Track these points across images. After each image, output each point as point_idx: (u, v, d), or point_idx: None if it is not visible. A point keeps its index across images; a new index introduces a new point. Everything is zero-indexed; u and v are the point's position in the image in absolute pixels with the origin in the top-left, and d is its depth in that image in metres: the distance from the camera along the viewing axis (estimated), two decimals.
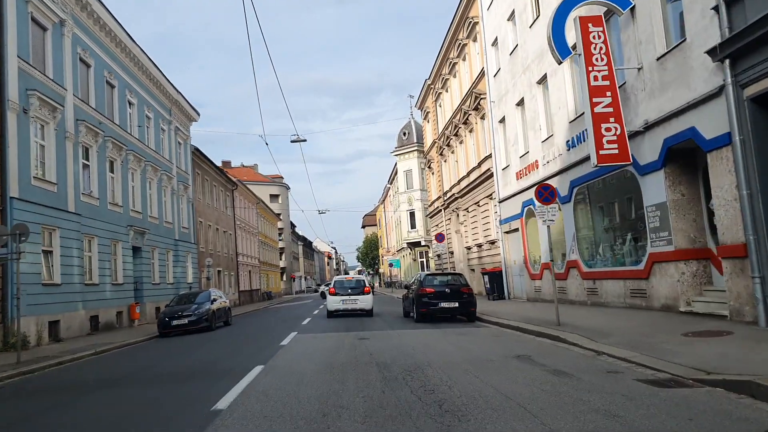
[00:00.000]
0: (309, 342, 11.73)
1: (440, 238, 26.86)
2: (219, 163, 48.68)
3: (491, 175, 24.50)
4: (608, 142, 12.13)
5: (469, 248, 29.72)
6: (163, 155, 30.40)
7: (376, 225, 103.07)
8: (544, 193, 11.82)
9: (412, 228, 52.99)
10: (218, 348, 12.71)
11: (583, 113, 15.31)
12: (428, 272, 16.88)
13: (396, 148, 53.98)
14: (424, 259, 53.29)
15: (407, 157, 53.05)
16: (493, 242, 25.15)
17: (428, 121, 39.58)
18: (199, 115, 36.78)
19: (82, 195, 20.51)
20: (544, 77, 18.27)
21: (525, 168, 20.42)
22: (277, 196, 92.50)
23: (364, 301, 20.16)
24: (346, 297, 20.27)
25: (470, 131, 28.37)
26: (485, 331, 12.87)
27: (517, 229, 21.77)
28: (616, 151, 12.11)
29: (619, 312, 13.26)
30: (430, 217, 41.42)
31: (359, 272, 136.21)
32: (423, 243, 51.74)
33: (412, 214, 52.97)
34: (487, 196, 25.86)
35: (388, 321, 16.98)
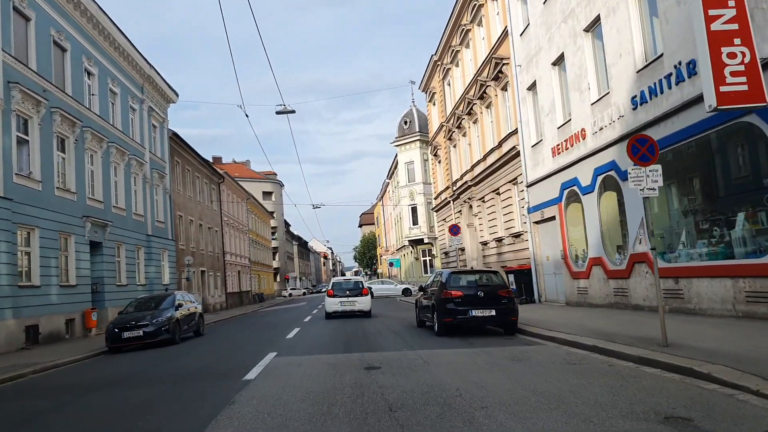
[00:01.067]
0: (289, 375, 7.67)
1: (455, 230, 22.87)
2: (209, 160, 44.67)
3: (516, 155, 20.58)
4: (732, 74, 8.18)
5: (485, 243, 25.79)
6: (133, 138, 26.39)
7: (374, 224, 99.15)
8: (641, 148, 7.87)
9: (413, 224, 49.06)
10: (155, 381, 8.74)
11: (661, 55, 11.44)
12: (453, 269, 12.84)
13: (396, 138, 50.02)
14: (428, 258, 49.37)
15: (409, 147, 49.10)
16: (518, 235, 21.23)
17: (434, 104, 35.65)
18: (177, 95, 32.75)
19: (17, 176, 16.50)
20: (596, 21, 14.36)
21: (565, 141, 16.51)
22: (270, 193, 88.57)
23: (363, 303, 19.77)
24: (345, 299, 19.87)
25: (487, 107, 24.43)
26: (547, 352, 8.92)
27: (552, 218, 17.86)
28: (745, 87, 8.17)
29: (738, 324, 9.31)
30: (436, 211, 37.51)
31: (356, 273, 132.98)
32: (426, 240, 47.80)
33: (413, 210, 49.05)
34: (509, 181, 21.94)
35: (399, 333, 13.00)
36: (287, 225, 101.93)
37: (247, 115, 18.58)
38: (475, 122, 26.49)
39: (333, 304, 19.93)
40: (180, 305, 16.17)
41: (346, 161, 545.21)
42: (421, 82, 37.16)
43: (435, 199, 37.97)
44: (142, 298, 17.36)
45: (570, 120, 16.19)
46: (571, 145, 16.07)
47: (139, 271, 26.30)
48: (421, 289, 14.24)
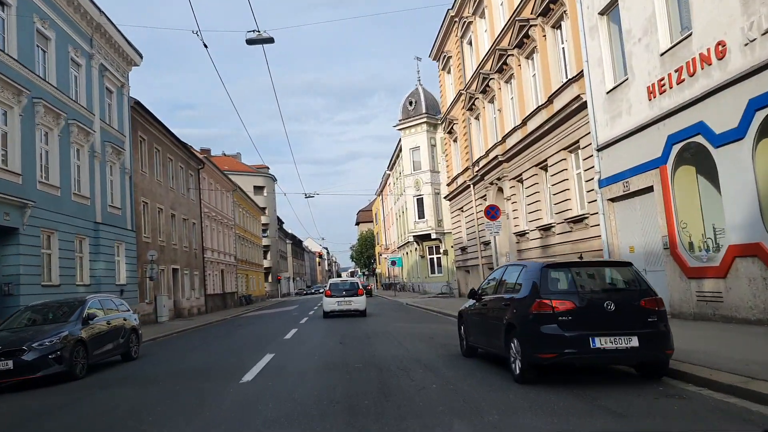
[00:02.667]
0: None
1: (493, 212, 17.14)
2: (187, 144, 39.19)
3: (579, 109, 15.02)
4: None
5: (522, 234, 20.22)
6: (77, 99, 20.78)
7: (372, 221, 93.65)
8: None
9: (419, 218, 43.50)
10: None
11: None
12: (547, 262, 7.04)
13: (400, 120, 44.43)
14: (435, 256, 43.82)
15: (414, 131, 43.52)
16: (579, 220, 15.66)
17: (449, 71, 30.07)
18: (141, 57, 27.07)
19: None
20: None
21: (676, 71, 10.95)
22: (261, 188, 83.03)
23: (358, 302, 20.87)
24: (341, 298, 20.85)
25: (528, 56, 18.86)
26: None
27: (646, 190, 12.27)
28: None
29: None
30: (450, 200, 31.89)
31: (352, 274, 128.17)
32: (434, 236, 42.26)
33: (419, 202, 43.48)
34: (565, 149, 16.38)
35: (442, 374, 7.36)
36: (280, 222, 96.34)
37: (206, 46, 12.83)
38: (508, 80, 20.91)
39: (330, 304, 20.88)
40: (91, 317, 10.51)
41: (342, 162, 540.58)
42: (432, 48, 31.55)
43: (448, 185, 32.35)
44: (38, 304, 11.67)
45: (689, 36, 10.61)
46: (691, 75, 10.51)
47: (82, 268, 20.68)
48: (472, 295, 8.58)
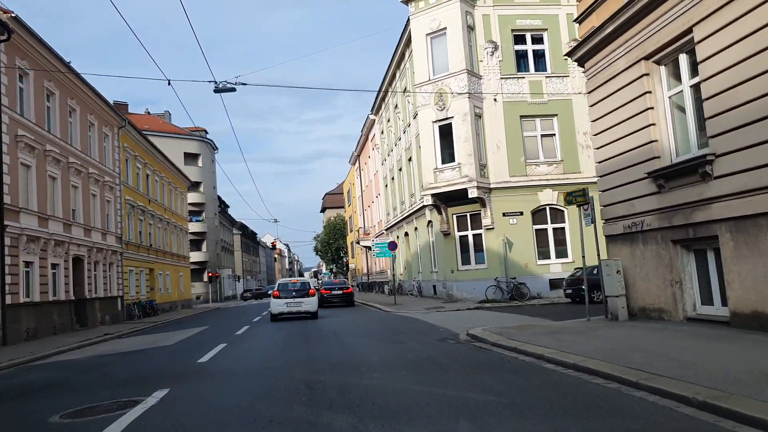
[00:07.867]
0: None
1: None
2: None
3: None
4: None
5: None
6: None
7: (342, 206, 73.29)
8: None
9: (444, 163, 23.64)
10: None
11: None
12: None
13: None
14: (471, 232, 23.98)
15: (435, 1, 23.65)
16: None
17: None
18: None
19: None
20: None
21: None
22: (195, 156, 62.04)
23: (309, 304, 19.79)
24: (291, 300, 19.77)
25: None
26: None
27: None
28: None
29: None
30: (591, 55, 11.95)
31: (315, 273, 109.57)
32: (473, 194, 22.49)
33: (445, 132, 23.66)
34: None
35: None
36: (223, 205, 75.06)
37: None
38: None
39: (279, 306, 19.76)
40: None
41: (307, 161, 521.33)
42: None
43: (581, 21, 12.42)
44: None
45: None
46: None
47: None
48: None
